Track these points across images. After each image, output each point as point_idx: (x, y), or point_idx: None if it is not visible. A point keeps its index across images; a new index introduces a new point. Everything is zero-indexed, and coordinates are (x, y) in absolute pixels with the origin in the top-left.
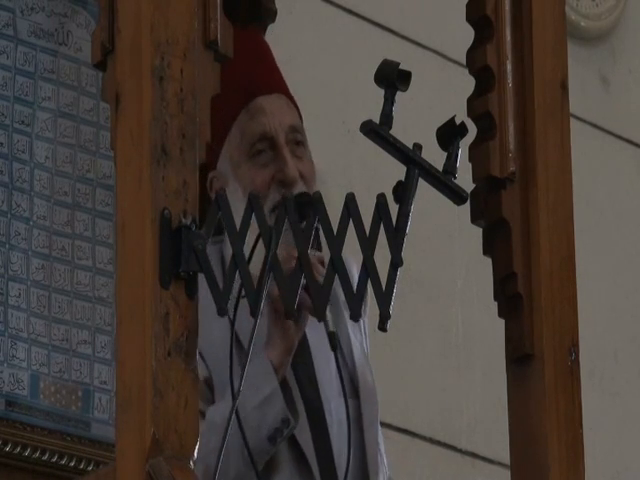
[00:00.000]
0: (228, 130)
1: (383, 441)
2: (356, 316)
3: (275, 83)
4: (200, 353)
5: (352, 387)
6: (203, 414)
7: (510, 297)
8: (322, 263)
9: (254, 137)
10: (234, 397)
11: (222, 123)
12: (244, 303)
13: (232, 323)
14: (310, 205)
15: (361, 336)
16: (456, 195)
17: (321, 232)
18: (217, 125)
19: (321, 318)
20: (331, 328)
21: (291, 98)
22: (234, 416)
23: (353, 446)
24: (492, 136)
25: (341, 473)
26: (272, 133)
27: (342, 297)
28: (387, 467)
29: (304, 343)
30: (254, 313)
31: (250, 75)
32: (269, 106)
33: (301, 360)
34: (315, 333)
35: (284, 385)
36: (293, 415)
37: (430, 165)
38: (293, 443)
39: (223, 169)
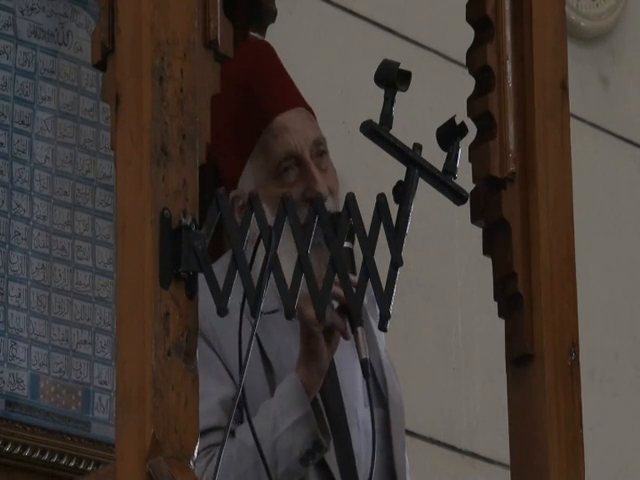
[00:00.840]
0: (250, 150)
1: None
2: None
3: (293, 97)
4: (231, 375)
5: (379, 395)
6: (233, 433)
7: (510, 297)
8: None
9: (280, 156)
10: (237, 404)
11: (243, 144)
12: (272, 320)
13: (240, 341)
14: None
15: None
16: (456, 195)
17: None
18: (238, 145)
19: (320, 314)
20: (364, 355)
21: (309, 109)
22: (257, 438)
23: (379, 455)
24: (492, 136)
25: None
26: (298, 151)
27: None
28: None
29: None
30: (254, 313)
31: (267, 93)
32: (291, 124)
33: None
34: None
35: (313, 404)
36: (324, 436)
37: (430, 165)
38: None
39: (246, 189)
